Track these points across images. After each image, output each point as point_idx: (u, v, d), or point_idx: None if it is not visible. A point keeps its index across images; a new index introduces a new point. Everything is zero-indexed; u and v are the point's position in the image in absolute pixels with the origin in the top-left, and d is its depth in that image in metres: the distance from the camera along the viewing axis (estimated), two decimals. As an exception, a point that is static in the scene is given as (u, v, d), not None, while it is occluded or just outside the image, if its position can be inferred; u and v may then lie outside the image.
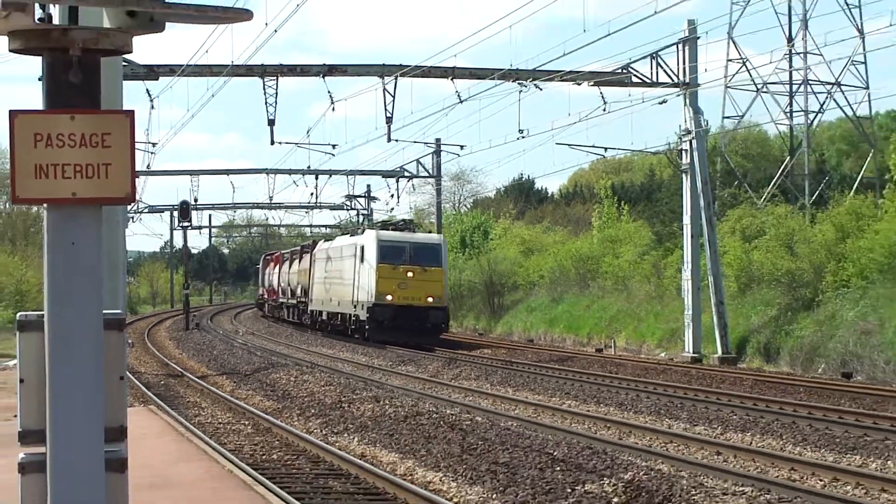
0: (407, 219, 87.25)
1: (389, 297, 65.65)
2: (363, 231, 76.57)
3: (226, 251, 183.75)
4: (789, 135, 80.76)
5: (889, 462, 24.26)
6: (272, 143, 59.90)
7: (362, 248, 69.25)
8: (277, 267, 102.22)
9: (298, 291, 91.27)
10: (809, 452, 25.83)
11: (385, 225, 79.07)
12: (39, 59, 6.63)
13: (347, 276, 72.97)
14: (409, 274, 66.07)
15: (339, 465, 24.29)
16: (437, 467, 24.24)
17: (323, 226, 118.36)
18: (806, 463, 24.10)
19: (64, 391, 6.44)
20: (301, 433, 29.30)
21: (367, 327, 67.72)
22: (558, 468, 22.52)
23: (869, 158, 79.43)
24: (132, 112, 6.80)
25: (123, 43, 6.77)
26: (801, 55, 75.75)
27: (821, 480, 22.29)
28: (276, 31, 49.38)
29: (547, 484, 21.36)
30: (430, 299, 65.12)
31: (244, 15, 7.89)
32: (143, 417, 30.63)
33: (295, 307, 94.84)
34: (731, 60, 76.72)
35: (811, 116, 77.54)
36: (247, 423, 31.92)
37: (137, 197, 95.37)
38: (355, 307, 70.26)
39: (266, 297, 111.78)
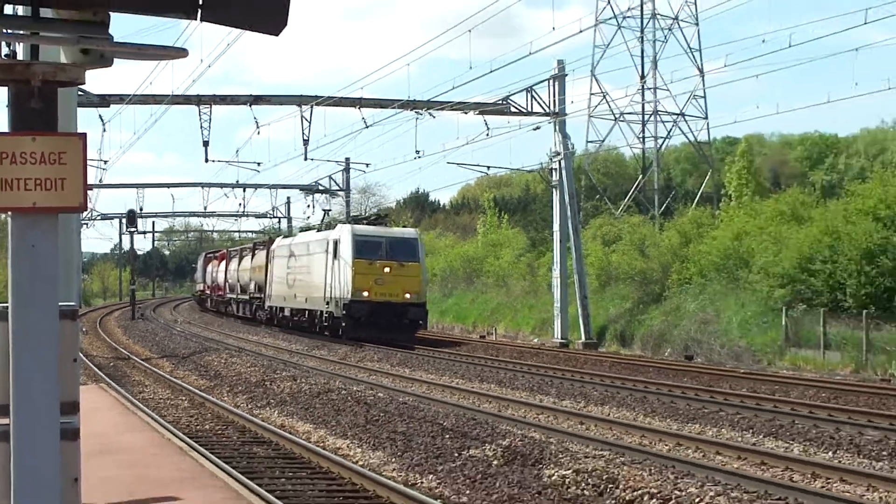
0: (381, 212, 77.24)
1: (366, 294, 55.75)
2: (335, 225, 65.69)
3: (167, 252, 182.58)
4: (642, 157, 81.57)
5: (722, 430, 24.55)
6: (206, 161, 59.48)
7: (335, 242, 58.32)
8: (223, 264, 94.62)
9: (252, 287, 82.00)
10: (657, 422, 26.07)
11: (357, 219, 70.65)
12: (5, 88, 6.65)
13: (317, 272, 62.17)
14: (386, 269, 55.70)
15: (262, 433, 24.17)
16: (345, 435, 24.28)
17: (249, 231, 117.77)
18: (654, 431, 24.34)
19: (25, 371, 6.48)
20: (230, 407, 29.17)
21: (342, 324, 57.12)
22: (447, 436, 22.64)
23: (707, 177, 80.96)
24: (84, 134, 6.90)
25: (77, 76, 6.85)
26: (652, 90, 76.72)
27: (666, 445, 22.47)
28: (209, 66, 49.42)
29: (438, 449, 21.46)
30: (407, 295, 55.80)
31: (181, 53, 7.93)
32: (94, 394, 30.38)
33: (247, 303, 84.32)
34: (593, 94, 77.57)
35: (660, 141, 78.63)
36: (184, 398, 31.75)
37: (90, 206, 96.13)
38: (328, 304, 59.43)
39: (209, 292, 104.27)
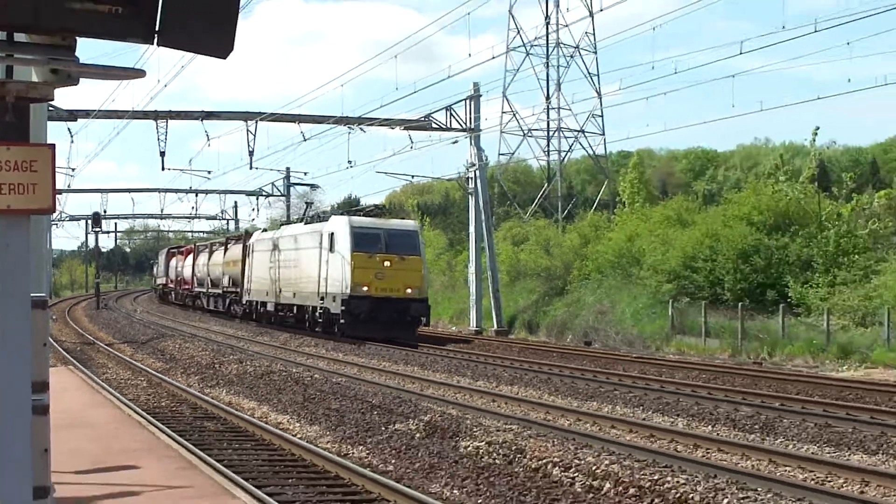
0: (378, 204, 69.41)
1: (366, 289, 47.94)
2: (328, 217, 55.64)
3: (128, 250, 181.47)
4: (547, 168, 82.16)
5: (617, 406, 24.80)
6: (163, 169, 58.92)
7: (331, 235, 50.11)
8: (190, 258, 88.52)
9: (226, 282, 74.30)
10: (560, 400, 26.29)
11: (351, 211, 61.05)
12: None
13: (309, 266, 53.14)
14: (387, 263, 48.08)
15: (212, 410, 24.13)
16: (286, 412, 24.25)
17: (201, 231, 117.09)
18: (557, 408, 24.53)
19: (1, 354, 6.45)
20: (183, 386, 29.07)
21: (341, 321, 48.85)
22: (376, 412, 22.69)
23: (604, 186, 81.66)
24: (53, 145, 7.02)
25: (48, 93, 6.91)
26: (556, 109, 77.19)
27: (567, 420, 22.63)
28: (165, 85, 49.11)
29: (367, 424, 21.54)
30: (409, 290, 48.50)
31: (139, 73, 8.01)
32: (63, 375, 30.20)
33: (220, 297, 77.84)
34: (504, 112, 77.73)
35: (563, 155, 78.90)
36: (142, 379, 31.59)
37: (59, 209, 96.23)
38: (322, 299, 50.87)
39: (172, 285, 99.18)
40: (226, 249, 74.94)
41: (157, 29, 6.37)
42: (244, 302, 66.30)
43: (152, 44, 6.53)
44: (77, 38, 6.99)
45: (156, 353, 42.31)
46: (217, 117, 54.68)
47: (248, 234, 73.37)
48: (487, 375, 31.79)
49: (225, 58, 6.64)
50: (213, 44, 6.57)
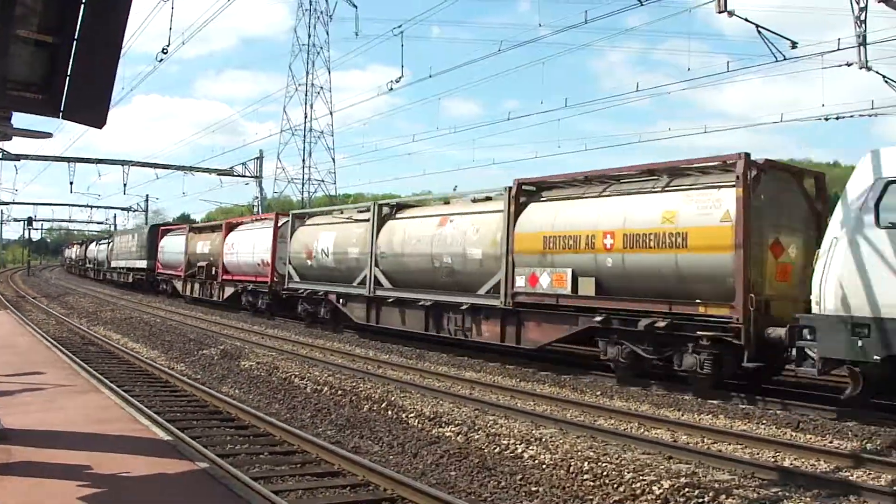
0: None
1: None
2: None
3: (49, 240, 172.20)
4: (301, 202, 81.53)
5: (335, 343, 24.58)
6: (71, 192, 58.85)
7: None
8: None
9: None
10: (303, 339, 25.37)
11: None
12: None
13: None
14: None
15: (93, 339, 23.97)
16: (138, 340, 24.24)
17: (94, 231, 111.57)
18: (301, 343, 23.83)
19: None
20: (77, 324, 28.80)
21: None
22: (192, 343, 22.63)
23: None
24: None
25: None
26: (308, 167, 78.67)
27: (304, 349, 22.21)
28: (74, 140, 47.90)
29: (187, 349, 21.64)
30: None
31: (48, 135, 8.67)
32: (3, 315, 29.99)
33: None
34: (278, 168, 79.15)
35: (311, 194, 79.89)
36: (52, 319, 31.10)
37: (7, 214, 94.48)
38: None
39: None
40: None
41: (62, 109, 6.64)
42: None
43: (59, 118, 6.88)
44: (13, 112, 7.93)
45: (61, 304, 41.33)
46: (104, 162, 53.92)
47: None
48: (260, 323, 30.94)
49: (101, 128, 6.91)
50: (94, 119, 6.83)
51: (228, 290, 37.42)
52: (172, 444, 9.34)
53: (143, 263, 52.49)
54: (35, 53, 6.26)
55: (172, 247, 47.41)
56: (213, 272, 39.41)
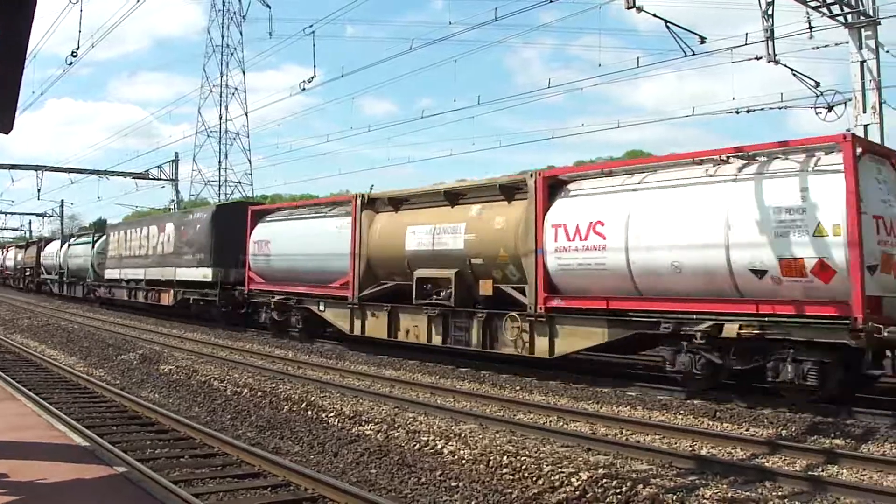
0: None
1: None
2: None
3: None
4: (218, 203, 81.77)
5: (254, 345, 25.10)
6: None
7: None
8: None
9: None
10: (221, 341, 25.33)
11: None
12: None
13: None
14: None
15: (10, 347, 23.47)
16: (56, 348, 23.88)
17: (8, 238, 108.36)
18: (219, 346, 23.75)
19: None
20: None
21: None
22: (111, 348, 22.44)
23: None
24: None
25: None
26: (225, 169, 77.84)
27: (224, 352, 22.11)
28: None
29: (105, 355, 21.42)
30: None
31: None
32: None
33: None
34: (194, 170, 78.54)
35: (228, 196, 79.15)
36: None
37: None
38: None
39: None
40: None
41: None
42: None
43: None
44: None
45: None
46: (18, 168, 52.76)
47: (42, 239, 64.85)
48: (180, 327, 30.39)
49: (7, 133, 6.94)
50: (1, 124, 6.84)
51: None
52: (90, 450, 9.28)
53: (202, 275, 31.09)
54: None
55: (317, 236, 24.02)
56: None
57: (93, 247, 45.30)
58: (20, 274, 65.25)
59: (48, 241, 60.53)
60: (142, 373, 18.32)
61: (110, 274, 40.62)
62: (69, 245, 50.78)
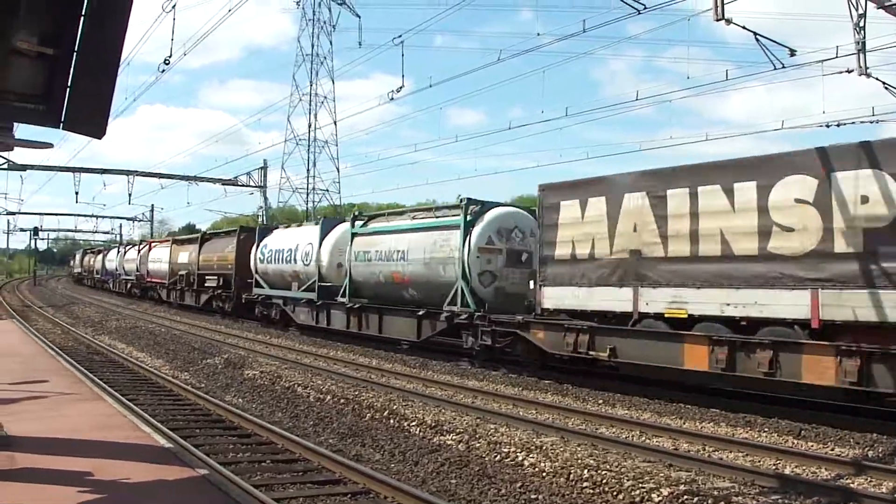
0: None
1: None
2: None
3: (55, 250, 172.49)
4: (306, 212, 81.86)
5: (352, 355, 25.42)
6: (76, 202, 58.36)
7: None
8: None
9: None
10: (306, 347, 25.62)
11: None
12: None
13: None
14: None
15: (98, 348, 24.02)
16: (143, 350, 24.32)
17: (100, 241, 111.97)
18: (302, 352, 23.80)
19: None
20: (83, 334, 28.81)
21: None
22: (196, 352, 22.79)
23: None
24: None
25: None
26: (313, 176, 78.52)
27: (308, 359, 22.24)
28: (78, 151, 48.03)
29: (191, 359, 21.75)
30: None
31: (48, 146, 8.78)
32: (8, 324, 30.08)
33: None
34: (282, 178, 78.88)
35: (316, 203, 79.76)
36: (58, 329, 31.23)
37: (14, 225, 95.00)
38: None
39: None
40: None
41: (62, 120, 6.51)
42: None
43: (60, 129, 6.71)
44: (15, 123, 7.91)
45: (67, 313, 41.51)
46: (109, 172, 54.19)
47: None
48: (263, 332, 30.61)
49: (101, 138, 6.79)
50: (94, 130, 6.71)
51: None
52: (173, 452, 9.40)
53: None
54: (35, 65, 6.26)
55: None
56: None
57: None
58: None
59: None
60: (226, 377, 18.55)
61: None
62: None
